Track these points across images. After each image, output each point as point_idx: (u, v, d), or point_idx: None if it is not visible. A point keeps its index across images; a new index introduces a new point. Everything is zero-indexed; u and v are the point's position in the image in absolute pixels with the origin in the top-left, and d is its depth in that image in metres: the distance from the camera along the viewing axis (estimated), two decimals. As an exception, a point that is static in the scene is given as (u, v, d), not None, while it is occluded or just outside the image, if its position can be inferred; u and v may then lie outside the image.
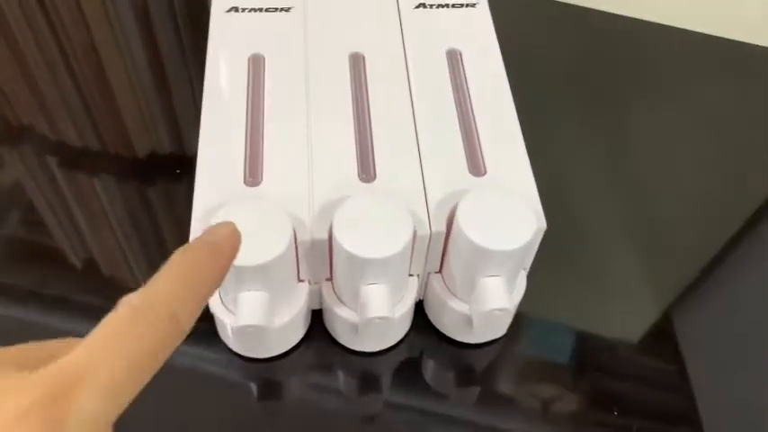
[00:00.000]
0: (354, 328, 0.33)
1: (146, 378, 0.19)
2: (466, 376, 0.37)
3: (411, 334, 0.37)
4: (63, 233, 0.41)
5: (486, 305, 0.31)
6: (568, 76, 0.52)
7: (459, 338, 0.36)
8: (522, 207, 0.31)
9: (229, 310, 0.33)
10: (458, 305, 0.34)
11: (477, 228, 0.30)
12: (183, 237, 0.41)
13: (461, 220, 0.30)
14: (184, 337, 0.20)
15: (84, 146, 0.46)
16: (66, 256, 0.40)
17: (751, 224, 0.45)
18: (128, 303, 0.19)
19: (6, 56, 0.51)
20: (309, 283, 0.34)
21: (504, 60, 0.39)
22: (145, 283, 0.20)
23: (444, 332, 0.36)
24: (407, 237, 0.30)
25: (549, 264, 0.35)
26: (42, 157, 0.45)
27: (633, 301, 0.40)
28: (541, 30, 0.55)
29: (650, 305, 0.40)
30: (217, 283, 0.22)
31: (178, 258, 0.21)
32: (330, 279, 0.34)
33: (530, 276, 0.35)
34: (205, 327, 0.34)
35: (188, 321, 0.20)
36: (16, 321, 0.37)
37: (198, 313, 0.20)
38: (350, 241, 0.29)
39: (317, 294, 0.35)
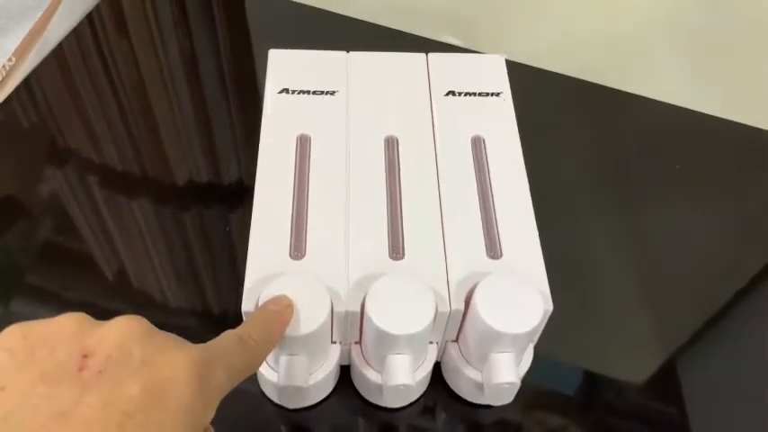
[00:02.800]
0: (378, 387, 0.38)
1: (243, 377, 0.29)
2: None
3: (429, 392, 0.41)
4: (100, 248, 0.48)
5: (497, 379, 0.35)
6: (580, 150, 0.57)
7: (471, 400, 0.40)
8: (532, 293, 0.35)
9: (270, 366, 0.37)
10: (471, 373, 0.38)
11: (491, 311, 0.34)
12: (212, 258, 0.48)
13: (478, 303, 0.35)
14: (263, 361, 0.32)
15: (126, 170, 0.52)
16: (101, 269, 0.47)
17: (754, 283, 0.50)
18: (236, 334, 0.30)
19: (65, 94, 0.57)
20: (341, 344, 0.39)
21: (521, 132, 0.44)
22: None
23: (459, 393, 0.41)
24: (430, 316, 0.34)
25: (565, 316, 0.40)
26: (85, 178, 0.51)
27: (642, 351, 0.45)
28: (555, 105, 0.60)
29: (658, 355, 0.45)
30: (281, 335, 0.33)
31: (259, 315, 0.33)
32: (359, 342, 0.39)
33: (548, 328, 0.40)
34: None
35: (267, 353, 0.32)
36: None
37: (272, 349, 0.33)
38: (380, 317, 0.34)
39: (346, 353, 0.40)
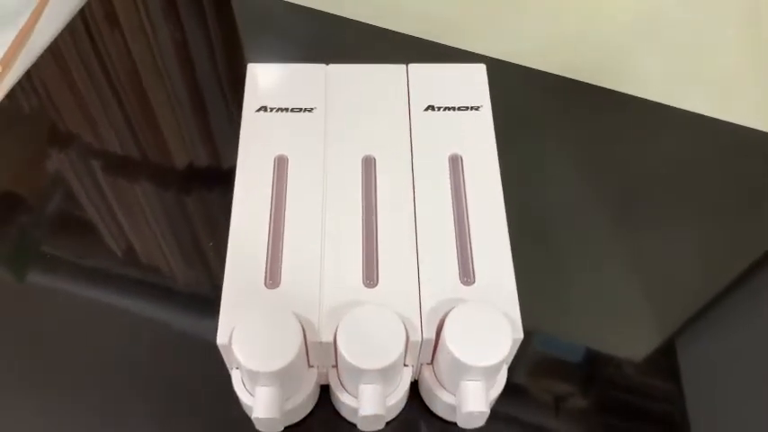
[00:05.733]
0: (354, 410, 0.39)
1: None
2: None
3: (407, 409, 0.42)
4: (105, 226, 0.51)
5: (467, 408, 0.36)
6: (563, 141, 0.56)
7: (447, 419, 0.41)
8: (501, 322, 0.36)
9: (248, 391, 0.38)
10: (445, 396, 0.39)
11: (459, 343, 0.35)
12: (212, 232, 0.50)
13: (446, 334, 0.35)
14: None
15: (127, 155, 0.55)
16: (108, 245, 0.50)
17: (755, 266, 0.50)
18: None
19: (61, 80, 0.59)
20: (318, 368, 0.40)
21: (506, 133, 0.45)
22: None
23: (435, 412, 0.41)
24: (400, 349, 0.35)
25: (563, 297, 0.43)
26: (89, 162, 0.54)
27: (640, 329, 0.47)
28: (542, 104, 0.59)
29: (656, 332, 0.47)
30: None
31: None
32: (336, 366, 0.39)
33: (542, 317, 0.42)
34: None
35: None
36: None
37: None
38: (350, 352, 0.35)
39: (325, 374, 0.40)
